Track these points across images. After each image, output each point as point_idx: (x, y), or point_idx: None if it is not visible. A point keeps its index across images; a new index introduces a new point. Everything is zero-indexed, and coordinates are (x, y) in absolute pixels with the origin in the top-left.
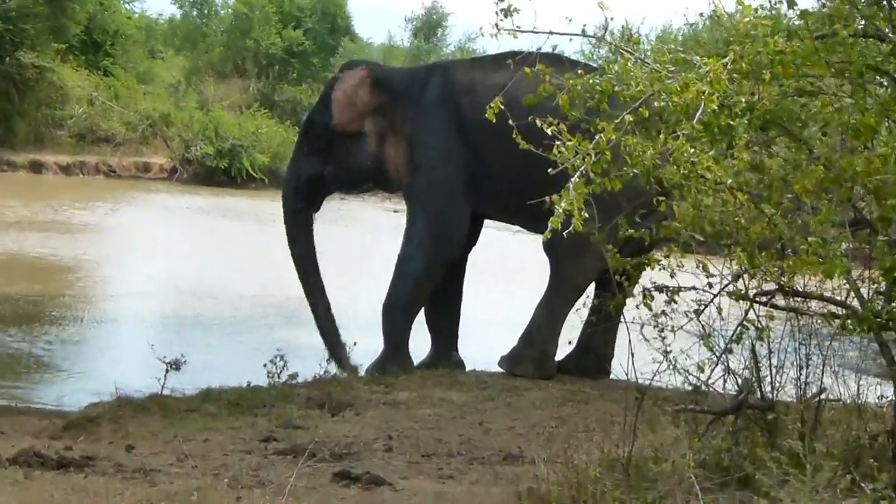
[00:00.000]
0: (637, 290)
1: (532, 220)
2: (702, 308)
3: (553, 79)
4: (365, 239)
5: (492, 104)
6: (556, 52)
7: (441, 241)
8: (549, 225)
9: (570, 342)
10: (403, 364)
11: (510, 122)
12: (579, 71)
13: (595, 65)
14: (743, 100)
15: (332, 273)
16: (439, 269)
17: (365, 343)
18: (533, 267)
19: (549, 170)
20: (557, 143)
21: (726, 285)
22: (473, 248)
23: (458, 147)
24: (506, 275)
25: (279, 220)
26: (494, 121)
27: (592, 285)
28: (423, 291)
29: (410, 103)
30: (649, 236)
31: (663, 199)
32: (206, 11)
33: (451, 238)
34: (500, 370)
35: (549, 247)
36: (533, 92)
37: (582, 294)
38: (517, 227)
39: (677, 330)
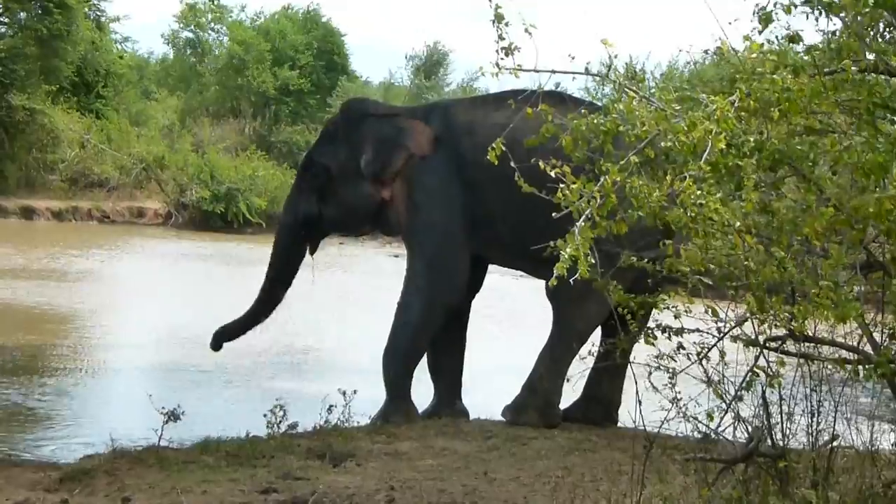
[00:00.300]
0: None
1: (534, 264)
2: (706, 351)
3: (556, 118)
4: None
5: (493, 145)
6: (559, 90)
7: (440, 286)
8: (555, 271)
9: (573, 388)
10: (407, 413)
11: (511, 163)
12: (582, 110)
13: (599, 103)
14: (751, 139)
15: (330, 319)
16: (440, 316)
17: (365, 392)
18: (537, 312)
19: (553, 213)
20: (561, 185)
21: (732, 328)
22: (477, 294)
23: (458, 189)
24: (510, 320)
25: None
26: (496, 162)
27: (598, 331)
28: (423, 339)
29: None
30: (654, 272)
31: (669, 242)
32: (199, 50)
33: (450, 283)
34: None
35: (551, 293)
36: (535, 132)
37: (585, 341)
38: (521, 272)
39: (679, 373)
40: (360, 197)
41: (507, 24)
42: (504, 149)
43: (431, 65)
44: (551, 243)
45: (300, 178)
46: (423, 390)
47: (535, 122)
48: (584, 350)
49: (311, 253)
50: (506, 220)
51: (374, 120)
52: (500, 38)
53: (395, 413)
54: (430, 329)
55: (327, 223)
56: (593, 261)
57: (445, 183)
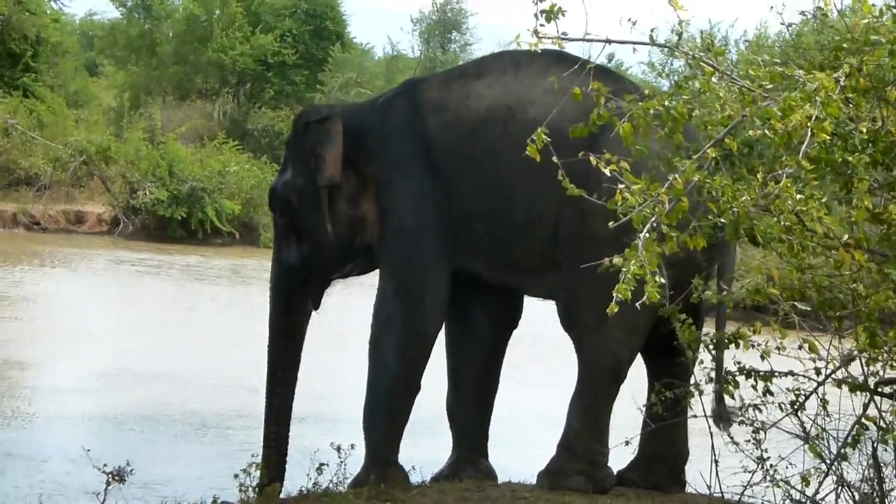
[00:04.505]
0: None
1: (521, 276)
2: (803, 399)
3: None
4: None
5: (534, 136)
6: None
7: (413, 311)
8: (615, 295)
9: (626, 443)
10: (390, 481)
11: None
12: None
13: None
14: (863, 127)
15: (323, 356)
16: (420, 348)
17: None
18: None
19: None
20: (620, 186)
21: (835, 370)
22: (515, 328)
23: (429, 184)
24: (545, 356)
25: (258, 284)
26: (538, 158)
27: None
28: (405, 382)
29: (371, 137)
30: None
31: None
32: (153, 14)
33: (424, 307)
34: None
35: (566, 322)
36: (532, 104)
37: (620, 380)
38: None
39: (769, 428)
40: (337, 219)
41: None
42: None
43: (444, 29)
44: (607, 260)
45: (274, 219)
46: (438, 443)
47: (530, 92)
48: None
49: (315, 308)
50: (478, 214)
51: (315, 126)
52: None
53: (374, 480)
54: (414, 368)
55: (313, 268)
56: (663, 280)
57: (416, 178)
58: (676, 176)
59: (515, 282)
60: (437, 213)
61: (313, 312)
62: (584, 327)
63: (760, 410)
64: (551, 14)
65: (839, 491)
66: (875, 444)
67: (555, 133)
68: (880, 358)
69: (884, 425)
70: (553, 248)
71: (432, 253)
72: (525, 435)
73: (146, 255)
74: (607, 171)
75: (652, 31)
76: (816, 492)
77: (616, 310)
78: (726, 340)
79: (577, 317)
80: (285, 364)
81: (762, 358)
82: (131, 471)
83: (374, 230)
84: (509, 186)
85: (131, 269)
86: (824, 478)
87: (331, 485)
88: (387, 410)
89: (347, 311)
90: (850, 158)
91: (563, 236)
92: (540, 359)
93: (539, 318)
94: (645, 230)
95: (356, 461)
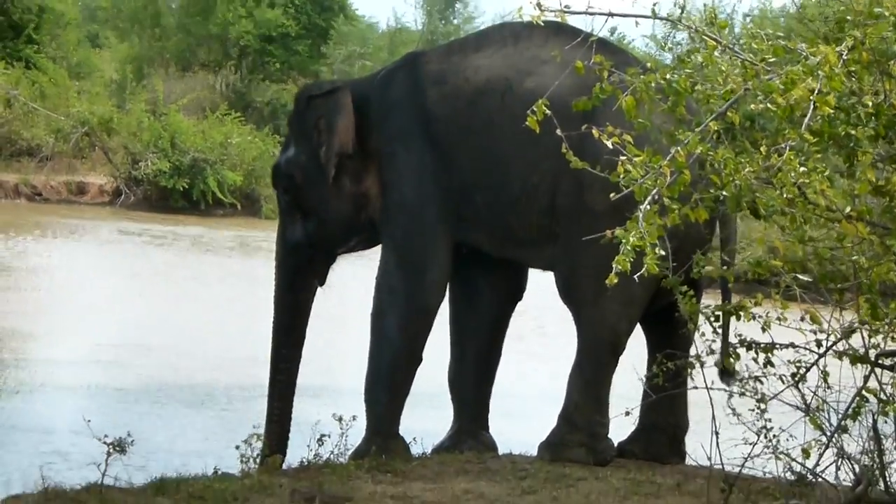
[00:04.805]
0: (700, 342)
1: (520, 249)
2: (804, 371)
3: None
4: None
5: (534, 108)
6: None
7: (415, 284)
8: (614, 266)
9: (627, 413)
10: (391, 453)
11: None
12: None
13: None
14: (867, 101)
15: (326, 327)
16: (422, 320)
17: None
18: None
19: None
20: (622, 158)
21: (836, 342)
22: (519, 301)
23: (430, 157)
24: (550, 328)
25: (263, 255)
26: (537, 130)
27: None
28: (407, 354)
29: (373, 111)
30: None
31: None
32: None
33: (426, 280)
34: None
35: (564, 294)
36: (529, 76)
37: (619, 352)
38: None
39: (770, 399)
40: (341, 196)
41: None
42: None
43: (447, 2)
44: (608, 232)
45: (277, 196)
46: (439, 415)
47: (528, 64)
48: (638, 366)
49: (321, 284)
50: (477, 186)
51: (321, 100)
52: None
53: (376, 454)
54: (416, 341)
55: (318, 244)
56: (663, 252)
57: (416, 151)
58: (679, 148)
59: (515, 254)
60: (437, 185)
61: (318, 288)
62: (583, 299)
63: (762, 382)
64: None
65: (839, 463)
66: (875, 417)
67: (553, 105)
68: (881, 330)
69: (884, 397)
70: (550, 220)
71: (434, 226)
72: (528, 407)
73: (150, 226)
74: (609, 144)
75: (654, 4)
76: (817, 464)
77: (615, 281)
78: (728, 312)
79: (575, 289)
80: (290, 342)
81: (763, 330)
82: (132, 442)
83: (377, 204)
84: (506, 158)
85: (137, 239)
86: (825, 450)
87: (332, 456)
88: (388, 383)
89: (350, 285)
90: (853, 132)
91: (561, 208)
92: (544, 331)
93: (543, 289)
94: (646, 202)
95: (357, 433)
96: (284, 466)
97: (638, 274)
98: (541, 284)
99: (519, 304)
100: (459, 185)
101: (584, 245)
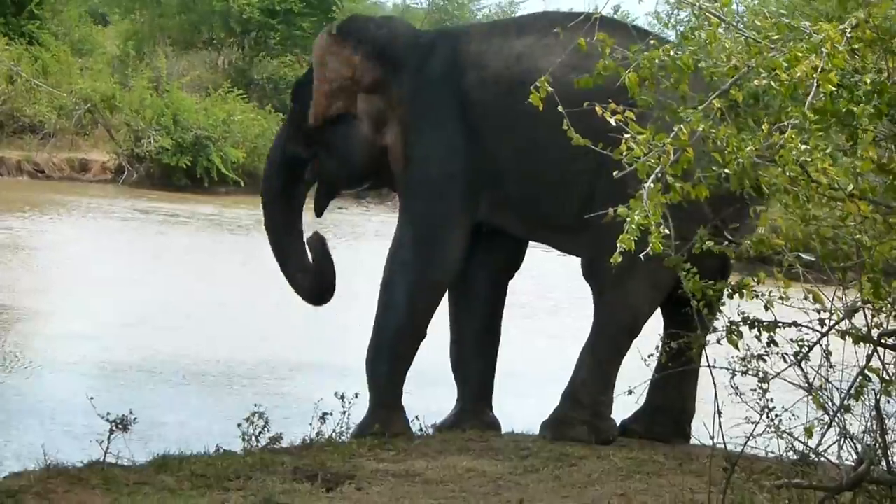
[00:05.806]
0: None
1: (555, 234)
2: (806, 350)
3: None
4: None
5: (537, 84)
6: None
7: (429, 259)
8: (619, 245)
9: (629, 392)
10: (393, 427)
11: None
12: (651, 41)
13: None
14: (868, 79)
15: (328, 305)
16: (431, 295)
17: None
18: (587, 297)
19: (616, 172)
20: (625, 136)
21: (839, 321)
22: (515, 274)
23: (461, 137)
24: (552, 307)
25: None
26: (540, 107)
27: (659, 321)
28: (412, 327)
29: (408, 77)
30: (734, 254)
31: (762, 209)
32: None
33: (440, 256)
34: None
35: (588, 273)
36: (565, 63)
37: (636, 335)
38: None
39: (773, 378)
40: (355, 142)
41: None
42: (514, 82)
43: None
44: (611, 210)
45: (289, 112)
46: (441, 393)
47: (570, 57)
48: (644, 347)
49: (318, 215)
50: (511, 172)
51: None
52: None
53: (378, 426)
54: (423, 315)
55: (324, 175)
56: (667, 231)
57: (447, 130)
58: (681, 126)
59: (549, 239)
60: (465, 167)
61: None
62: (607, 279)
63: (765, 361)
64: None
65: (842, 442)
66: (878, 396)
67: (595, 95)
68: (884, 309)
69: (887, 377)
70: (590, 208)
71: (455, 205)
72: (537, 387)
73: (152, 203)
74: (612, 121)
75: None
76: (819, 443)
77: (619, 260)
78: (730, 290)
79: (600, 268)
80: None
81: (766, 308)
82: (135, 419)
83: (398, 166)
84: (547, 147)
85: (137, 217)
86: (827, 429)
87: (334, 434)
88: (391, 354)
89: (359, 264)
90: (856, 109)
91: (601, 195)
92: (557, 309)
93: (552, 269)
94: (650, 181)
95: (360, 411)
96: (286, 444)
97: (643, 253)
98: (546, 263)
99: (531, 281)
100: (492, 169)
101: (615, 227)
